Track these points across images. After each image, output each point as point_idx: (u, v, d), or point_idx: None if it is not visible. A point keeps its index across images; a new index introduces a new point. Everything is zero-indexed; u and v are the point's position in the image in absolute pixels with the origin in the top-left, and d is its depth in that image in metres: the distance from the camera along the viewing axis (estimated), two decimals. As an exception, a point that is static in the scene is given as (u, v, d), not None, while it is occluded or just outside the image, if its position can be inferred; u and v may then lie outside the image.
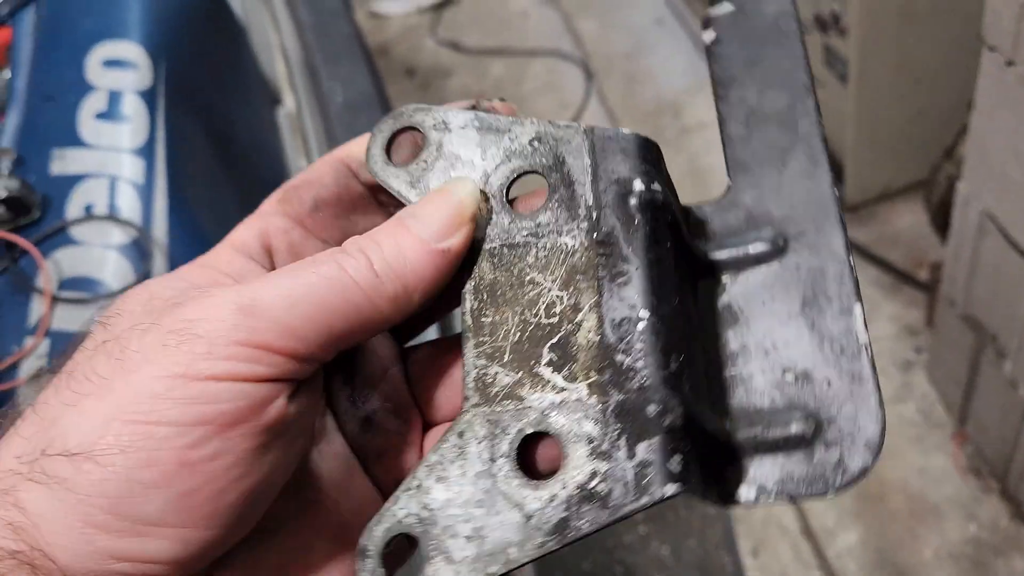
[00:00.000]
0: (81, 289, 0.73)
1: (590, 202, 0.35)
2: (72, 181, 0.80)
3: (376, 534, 0.33)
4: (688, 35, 2.94)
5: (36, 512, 0.29)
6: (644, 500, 0.31)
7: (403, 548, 0.33)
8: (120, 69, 0.89)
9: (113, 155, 0.82)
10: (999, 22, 1.23)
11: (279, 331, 0.30)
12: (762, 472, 0.34)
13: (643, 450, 0.31)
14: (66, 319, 0.70)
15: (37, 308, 0.71)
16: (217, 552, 0.31)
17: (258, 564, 0.33)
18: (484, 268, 0.35)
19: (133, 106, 0.86)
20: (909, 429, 1.79)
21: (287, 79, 1.51)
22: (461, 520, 0.32)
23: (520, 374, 0.34)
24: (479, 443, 0.33)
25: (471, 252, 0.36)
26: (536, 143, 0.36)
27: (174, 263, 0.79)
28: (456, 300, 0.37)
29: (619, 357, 0.33)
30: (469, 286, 0.36)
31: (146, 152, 0.84)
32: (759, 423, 0.34)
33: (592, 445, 0.32)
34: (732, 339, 0.36)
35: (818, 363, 0.35)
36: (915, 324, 1.95)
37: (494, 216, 0.36)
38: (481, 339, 0.35)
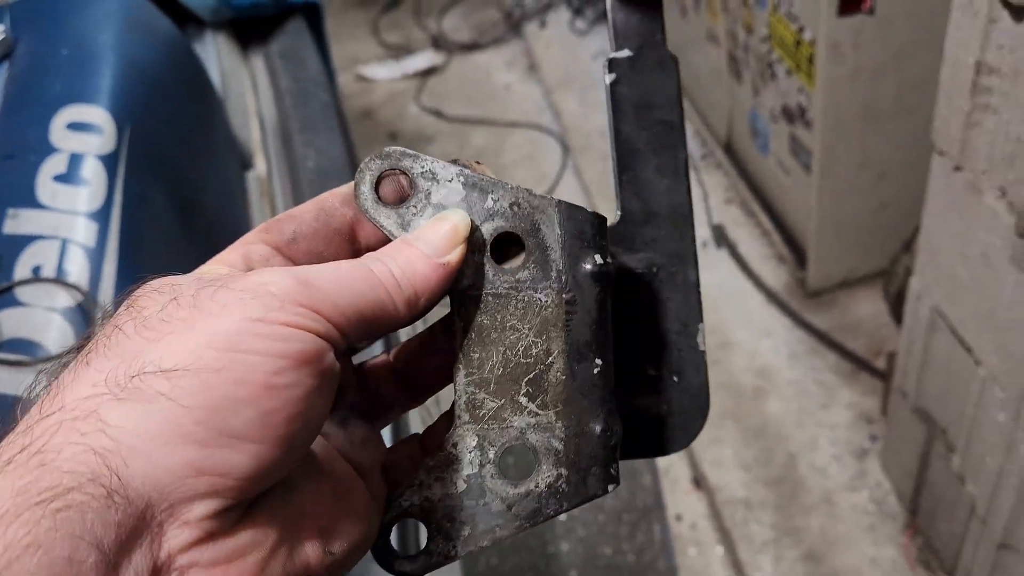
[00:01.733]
0: (21, 351, 0.73)
1: (560, 267, 0.43)
2: (24, 241, 0.81)
3: (385, 520, 0.43)
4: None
5: (120, 426, 0.32)
6: (591, 495, 0.43)
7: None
8: (84, 133, 0.91)
9: (68, 218, 0.83)
10: (947, 129, 1.28)
11: (329, 303, 0.37)
12: (632, 440, 0.46)
13: (593, 461, 0.43)
14: (2, 381, 0.71)
15: (-27, 368, 0.71)
16: (273, 477, 0.36)
17: (282, 510, 0.38)
18: (472, 312, 0.43)
19: (93, 170, 0.88)
20: (862, 518, 1.79)
21: (260, 144, 1.53)
22: (457, 509, 0.42)
23: (503, 400, 0.43)
24: (470, 452, 0.43)
25: (457, 293, 0.43)
26: (516, 207, 0.43)
27: (118, 328, 0.79)
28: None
29: (579, 394, 0.43)
30: (460, 325, 0.43)
31: (101, 216, 0.85)
32: (635, 407, 0.47)
33: (557, 456, 0.43)
34: (619, 338, 0.46)
35: (671, 364, 0.47)
36: (871, 412, 1.97)
37: (479, 267, 0.43)
38: (471, 370, 0.43)
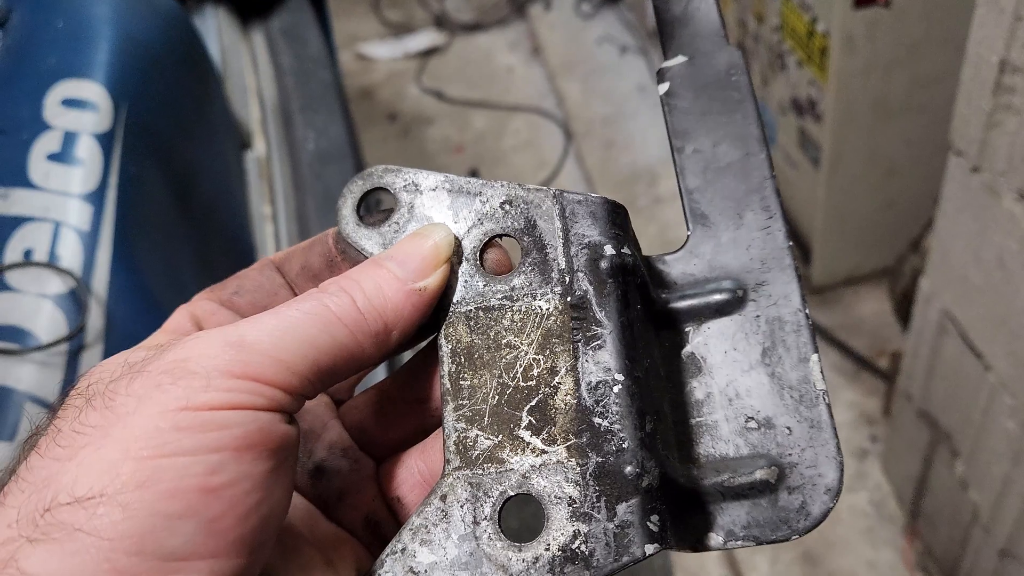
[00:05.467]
0: (9, 339, 0.70)
1: (562, 266, 0.36)
2: (14, 223, 0.77)
3: None
4: (669, 105, 2.97)
5: (44, 574, 0.27)
6: (625, 559, 0.32)
7: None
8: (79, 109, 0.87)
9: (60, 199, 0.79)
10: (966, 128, 1.25)
11: (272, 364, 0.31)
12: (730, 517, 0.36)
13: (623, 511, 0.33)
14: (-11, 369, 0.67)
15: (-41, 356, 0.68)
16: None
17: None
18: (460, 331, 0.36)
19: (88, 149, 0.84)
20: (860, 520, 1.78)
21: (260, 124, 1.49)
22: None
23: (500, 437, 0.35)
24: (462, 506, 0.34)
25: (445, 311, 0.37)
26: (507, 206, 0.38)
27: (112, 316, 0.76)
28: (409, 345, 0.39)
29: (596, 420, 0.34)
30: (446, 349, 0.36)
31: (95, 198, 0.81)
32: (725, 470, 0.36)
33: (573, 507, 0.33)
34: (696, 388, 0.38)
35: (779, 410, 0.37)
36: (872, 412, 1.95)
37: (468, 279, 0.37)
38: (460, 402, 0.35)
